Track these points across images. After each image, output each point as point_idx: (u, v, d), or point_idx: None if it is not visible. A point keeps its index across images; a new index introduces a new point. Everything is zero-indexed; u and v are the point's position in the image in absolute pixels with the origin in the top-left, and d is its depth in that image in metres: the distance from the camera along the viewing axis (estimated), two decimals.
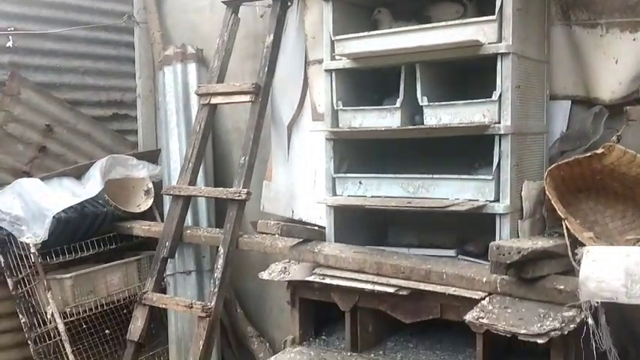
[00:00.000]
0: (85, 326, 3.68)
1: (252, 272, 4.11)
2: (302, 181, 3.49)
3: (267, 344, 3.84)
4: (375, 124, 2.75)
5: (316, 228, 3.08)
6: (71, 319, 3.61)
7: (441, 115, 2.58)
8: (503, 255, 2.09)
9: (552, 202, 2.42)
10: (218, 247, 3.33)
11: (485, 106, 2.48)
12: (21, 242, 3.59)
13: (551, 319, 2.11)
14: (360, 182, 2.82)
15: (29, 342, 3.76)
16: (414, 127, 2.67)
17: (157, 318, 3.99)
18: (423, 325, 3.04)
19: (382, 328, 2.95)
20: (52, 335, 3.65)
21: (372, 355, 2.79)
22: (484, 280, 2.36)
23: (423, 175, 2.65)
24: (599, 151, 2.42)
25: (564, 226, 2.39)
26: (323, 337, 3.08)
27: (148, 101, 4.43)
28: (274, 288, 3.96)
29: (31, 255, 3.57)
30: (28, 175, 3.87)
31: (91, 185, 3.76)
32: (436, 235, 3.04)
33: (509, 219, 2.46)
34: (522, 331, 2.05)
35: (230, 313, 4.02)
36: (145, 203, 4.02)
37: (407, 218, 3.08)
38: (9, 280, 3.77)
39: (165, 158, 3.95)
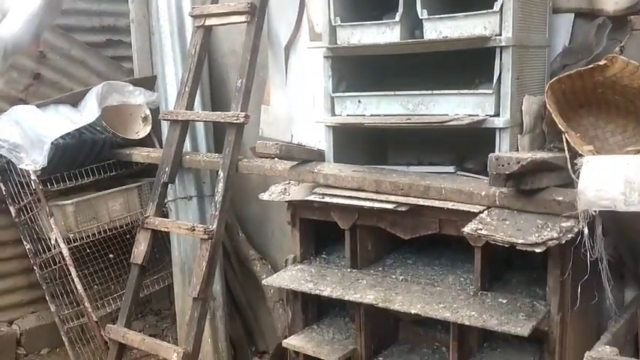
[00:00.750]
0: (89, 251, 3.74)
1: (253, 197, 4.14)
2: (301, 104, 3.45)
3: (269, 266, 3.90)
4: (374, 39, 2.69)
5: (316, 149, 3.07)
6: (75, 244, 3.67)
7: (441, 29, 2.52)
8: (503, 166, 2.09)
9: (553, 115, 2.40)
10: (218, 171, 3.33)
11: (486, 18, 2.42)
12: (21, 170, 3.61)
13: (549, 229, 2.13)
14: (359, 101, 2.79)
15: (35, 268, 3.84)
16: (414, 41, 2.61)
17: (161, 243, 4.05)
18: (422, 243, 3.09)
19: (381, 245, 2.99)
20: (56, 260, 3.71)
21: (372, 272, 2.84)
22: (483, 193, 2.37)
23: (422, 92, 2.61)
24: (602, 62, 2.38)
25: (564, 140, 2.38)
26: (323, 255, 3.13)
27: (142, 26, 4.32)
28: (275, 211, 4.00)
29: (32, 182, 3.59)
30: (24, 102, 3.84)
31: (88, 112, 3.73)
32: (435, 155, 3.03)
33: (509, 133, 2.45)
34: (520, 241, 2.07)
35: (232, 237, 4.07)
36: (143, 130, 4.00)
37: (406, 138, 3.07)
38: (11, 208, 3.81)
39: (162, 84, 3.89)
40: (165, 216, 3.79)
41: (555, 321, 2.28)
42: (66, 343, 3.80)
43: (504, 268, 2.72)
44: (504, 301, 2.40)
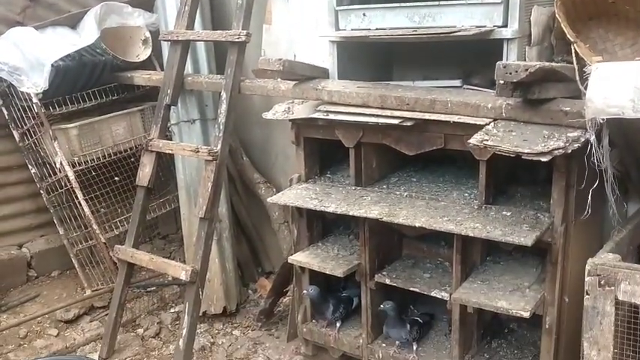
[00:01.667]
0: (94, 174, 3.75)
1: (256, 122, 4.12)
2: (303, 23, 3.38)
3: (274, 189, 3.92)
4: None
5: (320, 66, 3.02)
6: (80, 167, 3.67)
7: None
8: (510, 73, 2.05)
9: (562, 25, 2.35)
10: (220, 93, 3.29)
11: None
12: (22, 93, 3.57)
13: (555, 139, 2.12)
14: (363, 14, 2.72)
15: (42, 192, 3.87)
16: None
17: (165, 168, 4.06)
18: (426, 161, 3.09)
19: (385, 164, 2.99)
20: (62, 184, 3.73)
21: (376, 189, 2.85)
22: (489, 106, 2.35)
23: (429, 3, 2.55)
24: None
25: (573, 51, 2.34)
26: (327, 175, 3.14)
27: None
28: (278, 135, 3.98)
29: (34, 105, 3.56)
30: (21, 24, 3.76)
31: (87, 33, 3.66)
32: (441, 71, 2.98)
33: (516, 45, 2.40)
34: (526, 151, 2.06)
35: (236, 161, 4.08)
36: (143, 53, 3.93)
37: (412, 54, 3.02)
38: (15, 133, 3.80)
39: (161, 5, 3.77)
40: (169, 139, 3.78)
41: (559, 232, 2.30)
42: (76, 265, 3.87)
43: (508, 182, 2.73)
44: (508, 214, 2.42)
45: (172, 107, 3.58)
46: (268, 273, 4.28)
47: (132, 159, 3.87)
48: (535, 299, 2.37)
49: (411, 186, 2.86)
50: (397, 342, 2.88)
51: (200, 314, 3.38)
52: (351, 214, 2.61)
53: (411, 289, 2.74)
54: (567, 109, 2.18)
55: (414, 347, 2.84)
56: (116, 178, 3.84)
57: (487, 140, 2.14)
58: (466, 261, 2.60)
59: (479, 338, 2.84)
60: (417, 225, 2.42)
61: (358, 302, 3.06)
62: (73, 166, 3.65)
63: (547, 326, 2.41)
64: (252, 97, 3.82)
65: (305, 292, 2.99)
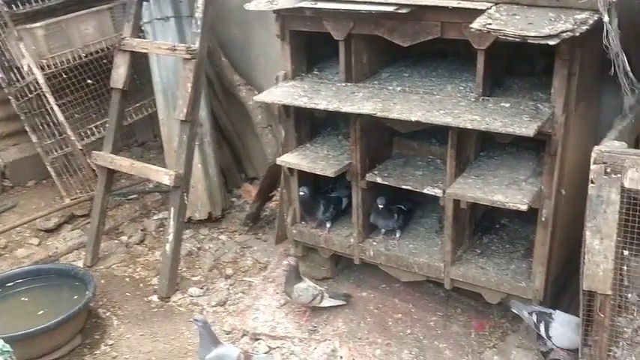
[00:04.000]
0: (65, 77, 3.55)
1: (234, 20, 3.91)
2: None
3: (256, 92, 3.77)
4: None
5: None
6: (49, 70, 3.47)
7: None
8: None
9: None
10: None
11: None
12: None
13: (562, 21, 2.00)
14: None
15: (10, 98, 3.66)
16: None
17: (140, 70, 3.86)
18: (417, 56, 2.96)
19: (376, 58, 2.85)
20: (32, 89, 3.54)
21: (368, 85, 2.73)
22: None
23: None
24: None
25: None
26: (315, 72, 2.99)
27: None
28: (259, 34, 3.79)
29: None
30: None
31: None
32: None
33: None
34: (532, 34, 1.94)
35: (215, 62, 3.89)
36: None
37: None
38: None
39: None
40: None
41: (559, 122, 2.23)
42: (52, 174, 3.74)
43: (505, 74, 2.63)
44: (507, 105, 2.33)
45: (144, 4, 3.35)
46: (252, 179, 4.20)
47: (104, 61, 3.67)
48: (532, 192, 2.33)
49: (403, 81, 2.74)
50: (383, 230, 2.89)
51: (185, 220, 3.31)
52: (343, 110, 2.50)
53: (404, 186, 2.69)
54: None
55: (397, 234, 2.87)
56: (89, 82, 3.65)
57: (490, 24, 2.01)
58: (460, 157, 2.53)
59: (471, 234, 2.83)
60: (413, 119, 2.32)
61: (348, 202, 3.02)
62: (42, 69, 3.46)
63: (543, 219, 2.39)
64: None
65: (302, 192, 2.91)
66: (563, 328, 2.26)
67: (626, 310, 2.15)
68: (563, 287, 2.70)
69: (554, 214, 2.38)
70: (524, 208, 2.25)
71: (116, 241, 3.62)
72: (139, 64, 3.76)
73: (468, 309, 2.87)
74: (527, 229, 2.84)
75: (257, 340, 2.79)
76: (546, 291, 2.49)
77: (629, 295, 2.18)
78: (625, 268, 1.94)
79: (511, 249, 2.77)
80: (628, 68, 1.98)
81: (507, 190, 2.36)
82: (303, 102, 2.63)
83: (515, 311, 2.49)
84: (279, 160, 2.89)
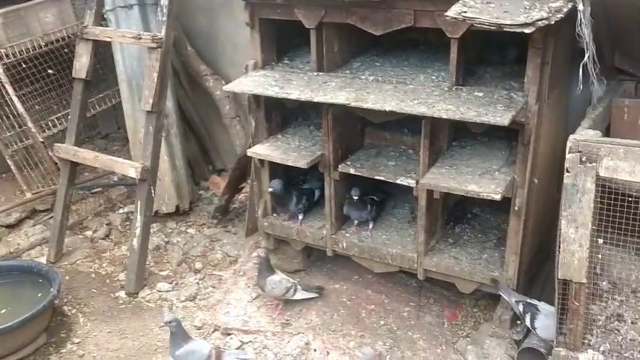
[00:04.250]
0: (24, 66, 3.41)
1: (199, 9, 3.82)
2: None
3: (223, 82, 3.69)
4: None
5: None
6: (8, 60, 3.34)
7: None
8: None
9: None
10: None
11: None
12: None
13: (537, 9, 1.99)
14: None
15: None
16: None
17: (103, 59, 3.74)
18: (389, 45, 2.93)
19: (348, 47, 2.81)
20: None
21: (340, 74, 2.69)
22: None
23: None
24: None
25: None
26: (286, 61, 2.94)
27: None
28: (226, 22, 3.71)
29: None
30: None
31: None
32: None
33: None
34: (508, 22, 1.93)
35: (180, 52, 3.80)
36: None
37: None
38: None
39: None
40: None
41: (533, 111, 2.23)
42: (12, 167, 3.60)
43: (477, 64, 2.62)
44: (480, 94, 2.32)
45: None
46: (219, 170, 4.14)
47: (65, 50, 3.55)
48: (505, 181, 2.33)
49: (375, 70, 2.71)
50: (356, 221, 2.87)
51: (152, 214, 3.22)
52: (316, 100, 2.45)
53: (377, 177, 2.66)
54: None
55: (370, 226, 2.86)
56: (50, 72, 3.52)
57: (466, 12, 1.99)
58: (433, 147, 2.52)
59: (443, 224, 2.83)
60: (388, 109, 2.29)
61: (320, 194, 2.98)
62: (0, 59, 3.32)
63: (516, 208, 2.39)
64: None
65: (271, 188, 2.86)
66: (548, 320, 2.26)
67: (599, 298, 2.17)
68: (535, 275, 2.72)
69: (527, 203, 2.39)
70: (497, 197, 2.24)
71: (80, 236, 3.52)
72: (102, 53, 3.64)
73: (441, 299, 2.87)
74: (498, 219, 2.85)
75: (229, 335, 2.74)
76: (519, 280, 2.50)
77: (602, 283, 2.21)
78: (599, 256, 1.96)
79: (483, 238, 2.78)
80: (596, 58, 1.98)
81: (481, 180, 2.36)
82: (274, 92, 2.57)
83: (504, 296, 2.48)
84: (250, 152, 2.84)
